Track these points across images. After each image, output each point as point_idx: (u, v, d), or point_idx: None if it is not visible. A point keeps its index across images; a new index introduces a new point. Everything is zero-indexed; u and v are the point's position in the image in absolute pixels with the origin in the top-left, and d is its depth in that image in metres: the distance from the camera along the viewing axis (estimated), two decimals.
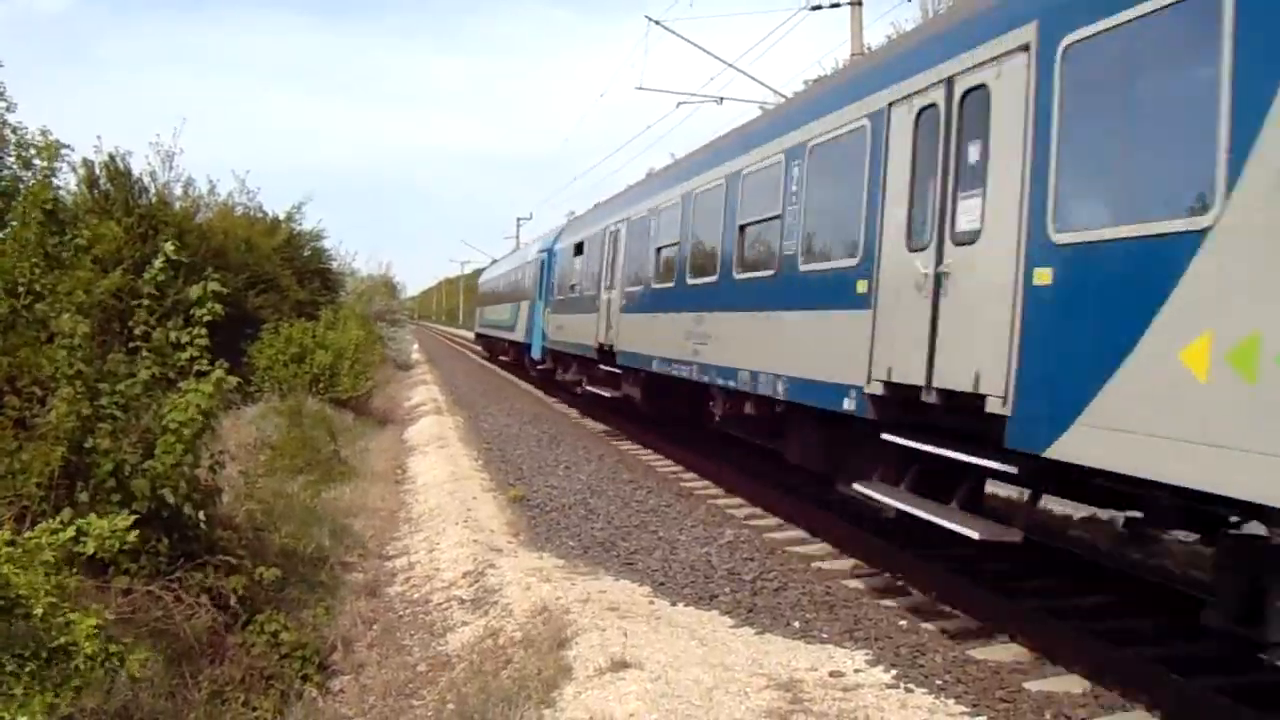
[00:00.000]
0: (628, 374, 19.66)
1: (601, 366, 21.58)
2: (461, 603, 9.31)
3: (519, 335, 37.13)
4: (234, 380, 8.79)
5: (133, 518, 6.20)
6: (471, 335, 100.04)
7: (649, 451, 19.23)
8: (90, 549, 5.83)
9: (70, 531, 5.74)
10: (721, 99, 29.69)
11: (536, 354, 31.75)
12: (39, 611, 5.07)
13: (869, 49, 23.00)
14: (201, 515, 7.85)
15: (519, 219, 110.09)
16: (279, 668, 7.36)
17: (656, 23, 27.41)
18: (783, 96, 22.88)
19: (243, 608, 7.58)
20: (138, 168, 21.53)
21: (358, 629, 8.75)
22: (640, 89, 31.75)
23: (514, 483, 15.07)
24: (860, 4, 23.80)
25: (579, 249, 25.57)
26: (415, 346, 59.77)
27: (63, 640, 5.13)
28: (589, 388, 23.09)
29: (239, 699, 6.82)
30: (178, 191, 23.49)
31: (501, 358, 48.48)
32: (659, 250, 17.39)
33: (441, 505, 13.41)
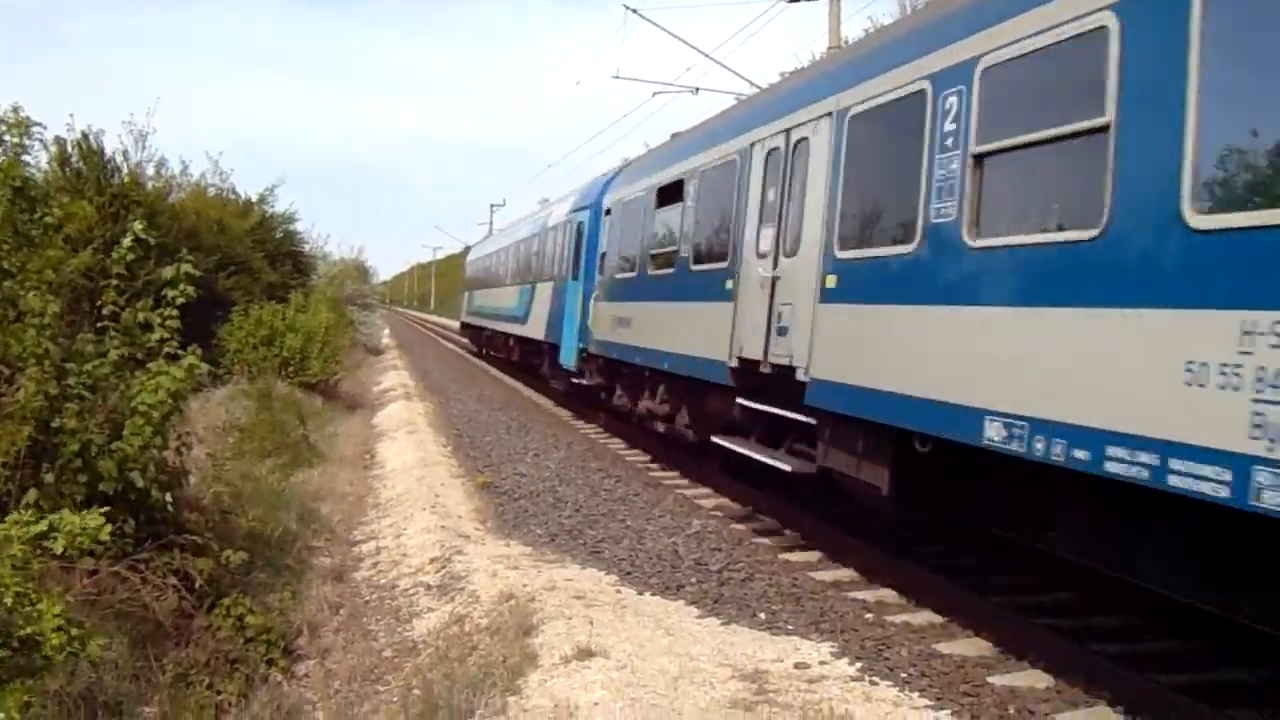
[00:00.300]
0: (842, 431, 9.77)
1: (748, 404, 11.79)
2: (428, 589, 9.27)
3: (533, 330, 26.85)
4: (206, 367, 8.72)
5: (106, 522, 6.17)
6: (441, 320, 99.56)
7: (618, 441, 19.21)
8: (59, 548, 5.80)
9: (42, 525, 5.71)
10: (697, 89, 29.85)
11: (569, 361, 21.77)
12: (8, 601, 5.03)
13: (846, 43, 23.04)
14: (168, 497, 7.79)
15: (492, 205, 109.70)
16: (244, 651, 7.31)
17: (634, 11, 27.45)
18: (758, 88, 22.81)
19: (209, 590, 7.53)
20: (110, 147, 21.36)
21: (324, 613, 8.70)
22: (617, 78, 31.81)
23: (482, 469, 15.04)
24: None
25: (670, 194, 15.49)
26: (386, 331, 59.57)
27: (29, 630, 5.08)
28: (729, 445, 12.33)
29: (204, 682, 6.77)
30: (150, 171, 23.28)
31: (493, 354, 39.13)
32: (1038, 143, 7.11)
33: (409, 491, 13.35)
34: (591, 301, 20.02)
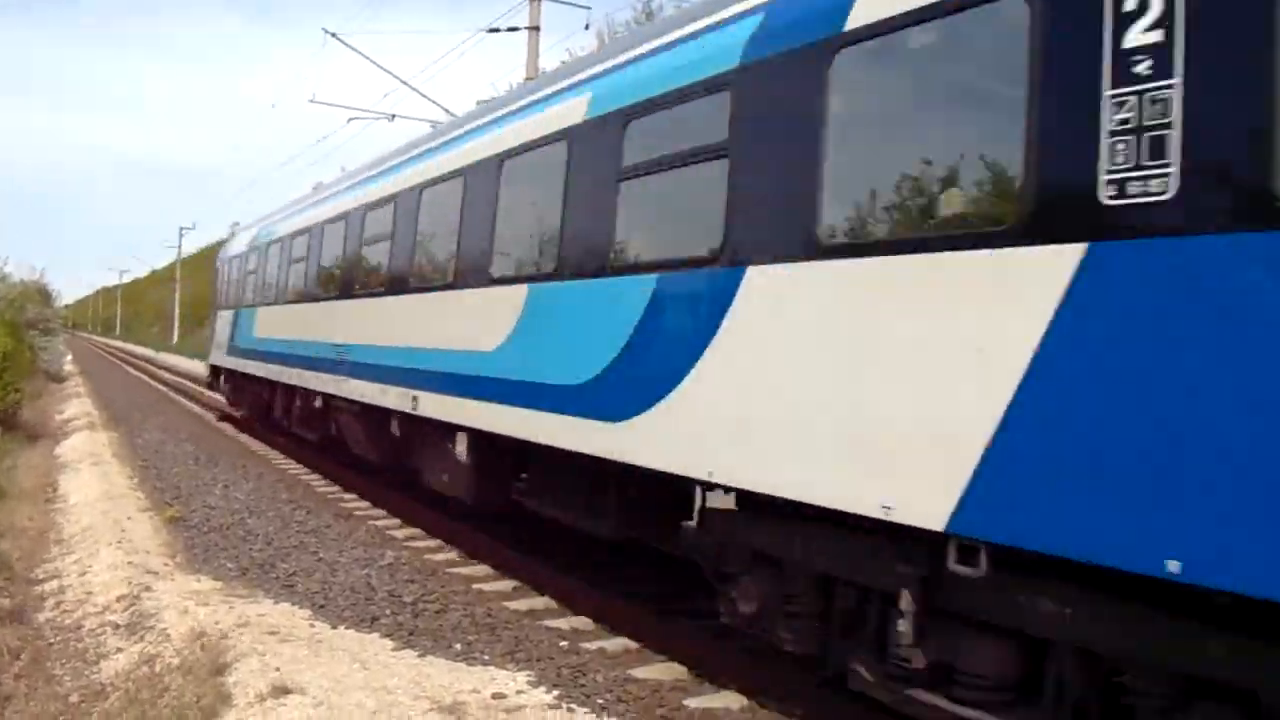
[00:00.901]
0: None
1: None
2: (116, 628, 8.73)
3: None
4: None
5: None
6: (127, 346, 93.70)
7: (308, 471, 18.63)
8: None
9: None
10: (394, 116, 29.22)
11: None
12: None
13: (543, 73, 23.34)
14: None
15: (182, 228, 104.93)
16: None
17: (333, 35, 26.70)
18: (454, 115, 22.59)
19: None
20: None
21: (4, 659, 8.06)
22: (313, 102, 30.44)
23: (170, 502, 14.29)
24: (537, 29, 24.10)
25: None
26: (69, 357, 55.90)
27: None
28: None
29: None
30: None
31: (302, 434, 19.18)
32: None
33: (94, 525, 12.52)
34: None
